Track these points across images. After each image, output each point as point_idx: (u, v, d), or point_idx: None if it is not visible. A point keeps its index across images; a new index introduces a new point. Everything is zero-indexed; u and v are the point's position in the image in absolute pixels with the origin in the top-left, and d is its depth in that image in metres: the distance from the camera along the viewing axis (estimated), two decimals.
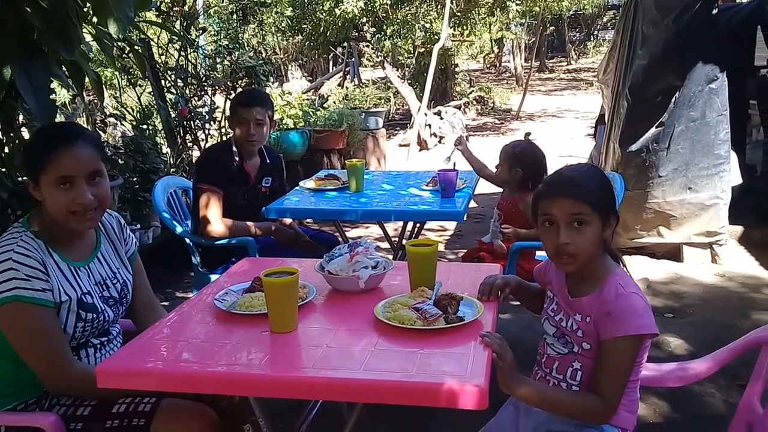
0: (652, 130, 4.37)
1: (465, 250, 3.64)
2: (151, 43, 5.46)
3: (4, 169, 2.50)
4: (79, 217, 1.76)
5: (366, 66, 16.00)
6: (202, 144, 5.57)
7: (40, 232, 1.77)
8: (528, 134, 3.26)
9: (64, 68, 2.28)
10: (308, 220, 4.79)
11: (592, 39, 28.27)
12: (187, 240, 3.26)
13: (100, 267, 1.92)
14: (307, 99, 8.62)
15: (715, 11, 4.31)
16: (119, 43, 3.71)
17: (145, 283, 2.10)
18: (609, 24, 26.37)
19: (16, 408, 1.78)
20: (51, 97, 2.15)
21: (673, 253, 4.66)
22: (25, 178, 2.04)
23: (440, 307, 1.72)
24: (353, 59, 14.31)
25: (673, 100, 4.29)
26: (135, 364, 1.57)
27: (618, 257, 1.72)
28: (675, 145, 4.33)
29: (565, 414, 1.61)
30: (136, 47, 3.40)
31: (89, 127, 5.30)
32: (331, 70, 15.89)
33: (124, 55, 4.47)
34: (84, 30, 2.30)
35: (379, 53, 11.23)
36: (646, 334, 1.56)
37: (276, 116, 6.70)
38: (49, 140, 1.77)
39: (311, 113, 7.35)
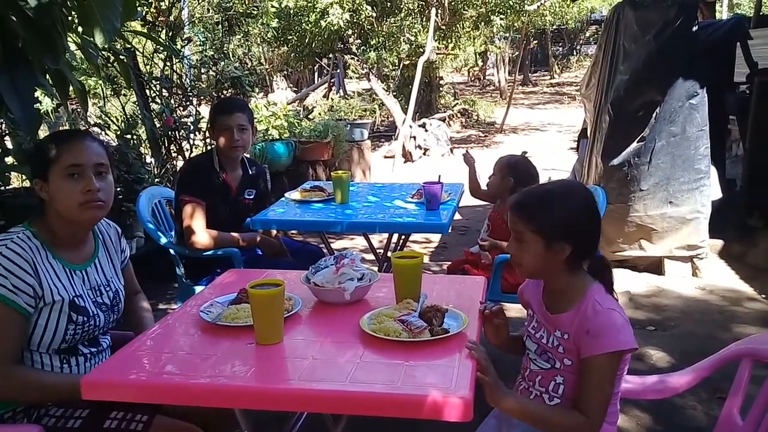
0: (634, 145, 4.42)
1: (450, 262, 3.65)
2: (136, 52, 5.44)
3: None
4: (88, 206, 1.79)
5: (351, 78, 16.04)
6: (187, 154, 5.54)
7: (39, 233, 1.80)
8: (525, 152, 3.32)
9: (47, 77, 2.27)
10: (293, 232, 4.78)
11: (574, 53, 28.62)
12: (172, 251, 3.25)
13: (95, 273, 1.94)
14: (293, 110, 8.62)
15: (695, 28, 4.38)
16: (104, 53, 3.69)
17: (132, 278, 2.19)
18: (591, 39, 26.73)
19: (2, 416, 1.76)
20: (35, 106, 2.14)
21: (655, 266, 4.71)
22: (6, 187, 2.04)
23: (425, 319, 1.73)
24: (338, 71, 14.37)
25: (654, 115, 4.35)
26: (119, 376, 1.56)
27: (602, 273, 1.68)
28: (656, 160, 4.39)
29: (548, 430, 1.60)
30: (121, 57, 3.39)
31: None
32: (316, 81, 15.95)
33: (109, 65, 4.45)
34: (68, 39, 2.29)
35: (364, 65, 11.27)
36: (625, 349, 1.57)
37: (261, 127, 6.70)
38: (61, 135, 1.94)
39: (296, 124, 7.35)
